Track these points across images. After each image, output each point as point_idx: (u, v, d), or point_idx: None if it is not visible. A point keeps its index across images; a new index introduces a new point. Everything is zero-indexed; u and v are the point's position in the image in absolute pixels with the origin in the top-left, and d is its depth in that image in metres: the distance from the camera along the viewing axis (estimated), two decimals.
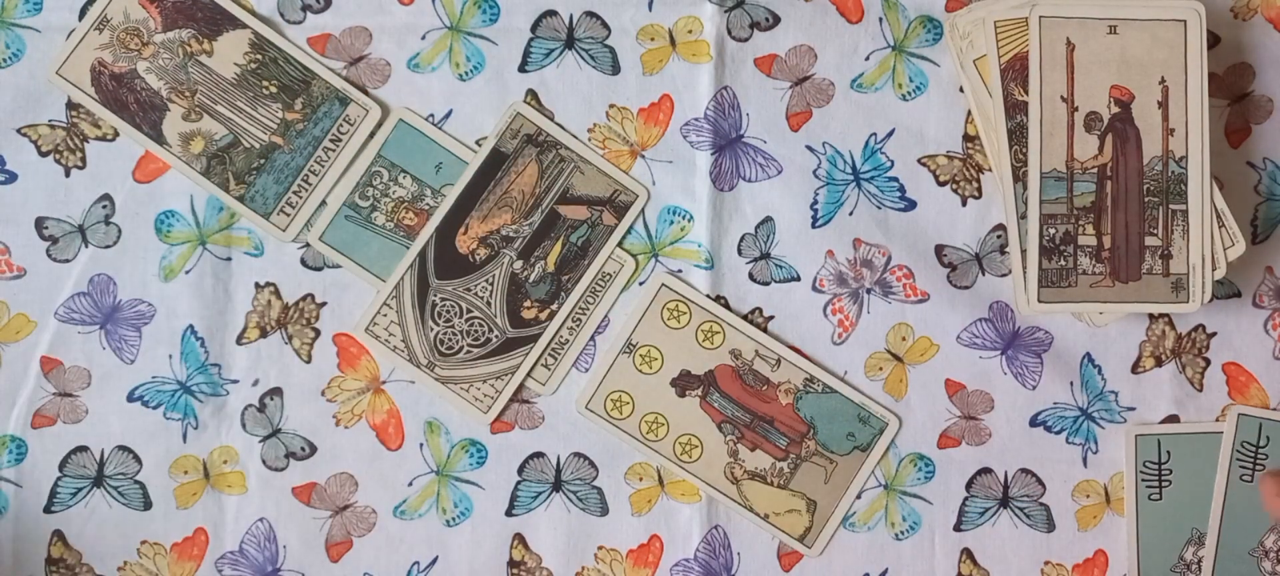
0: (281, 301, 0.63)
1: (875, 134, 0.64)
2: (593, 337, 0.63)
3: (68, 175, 0.63)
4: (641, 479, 0.63)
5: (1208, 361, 0.64)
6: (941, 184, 0.64)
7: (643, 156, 0.63)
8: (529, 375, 0.63)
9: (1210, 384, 0.64)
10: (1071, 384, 0.64)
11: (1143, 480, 0.63)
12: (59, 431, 0.62)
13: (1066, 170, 0.60)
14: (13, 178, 0.62)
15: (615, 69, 0.64)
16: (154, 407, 0.62)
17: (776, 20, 0.64)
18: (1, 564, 0.62)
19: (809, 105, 0.64)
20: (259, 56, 0.62)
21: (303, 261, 0.63)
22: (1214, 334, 0.64)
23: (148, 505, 0.62)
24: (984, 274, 0.64)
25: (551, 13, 0.63)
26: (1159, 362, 0.64)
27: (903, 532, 0.63)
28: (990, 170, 0.63)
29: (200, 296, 0.62)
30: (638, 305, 0.63)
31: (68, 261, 0.62)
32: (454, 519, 0.63)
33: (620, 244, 0.63)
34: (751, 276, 0.64)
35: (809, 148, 0.64)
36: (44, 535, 0.62)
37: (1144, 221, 0.60)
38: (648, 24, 0.64)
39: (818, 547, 0.63)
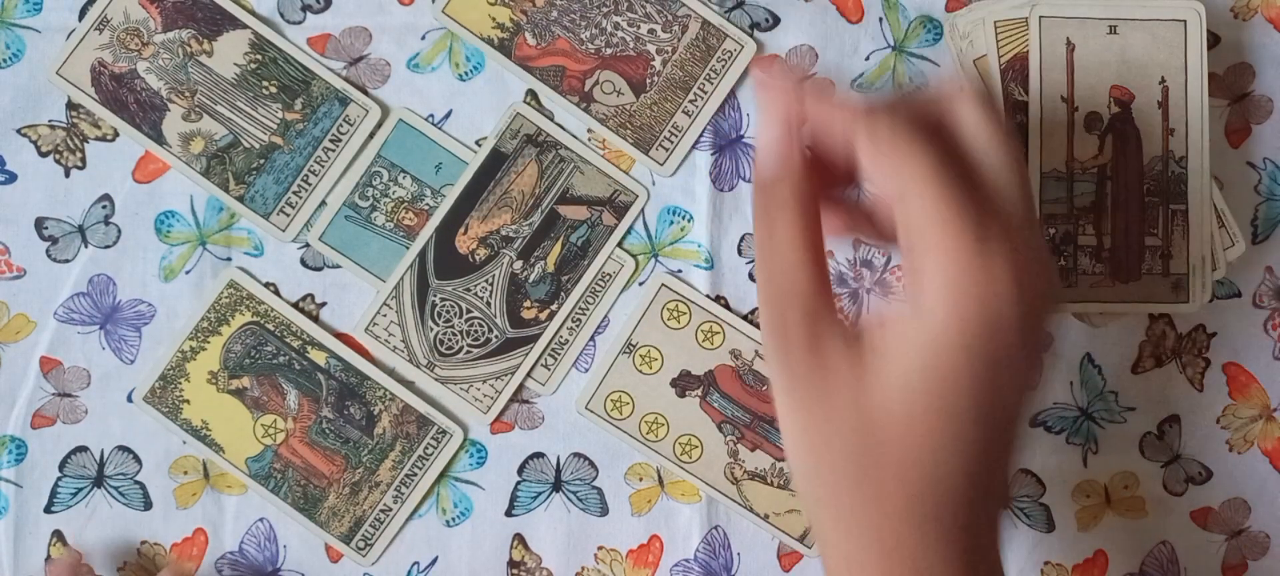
0: (282, 301, 0.63)
1: None
2: (593, 338, 0.63)
3: (67, 175, 0.63)
4: (641, 479, 0.63)
5: (1208, 361, 0.64)
6: None
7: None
8: (529, 375, 0.63)
9: (1210, 384, 0.64)
10: (1071, 384, 0.64)
11: None
12: (59, 431, 0.62)
13: (1066, 170, 0.60)
14: (12, 178, 0.62)
15: None
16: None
17: (776, 20, 0.64)
18: (1, 564, 0.62)
19: None
20: (259, 56, 0.62)
21: (303, 261, 0.63)
22: (1214, 334, 0.64)
23: (148, 505, 0.62)
24: None
25: None
26: (1159, 363, 0.64)
27: None
28: None
29: (200, 297, 0.62)
30: (638, 305, 0.63)
31: (67, 261, 0.62)
32: (454, 519, 0.63)
33: (620, 244, 0.63)
34: (752, 276, 0.63)
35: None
36: (44, 535, 0.62)
37: (1144, 221, 0.60)
38: None
39: None
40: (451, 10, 0.62)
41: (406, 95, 0.63)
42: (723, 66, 0.63)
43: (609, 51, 0.62)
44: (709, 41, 0.63)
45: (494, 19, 0.62)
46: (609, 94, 0.62)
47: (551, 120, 0.63)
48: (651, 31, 0.62)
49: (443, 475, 0.63)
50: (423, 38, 0.63)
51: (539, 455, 0.63)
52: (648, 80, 0.62)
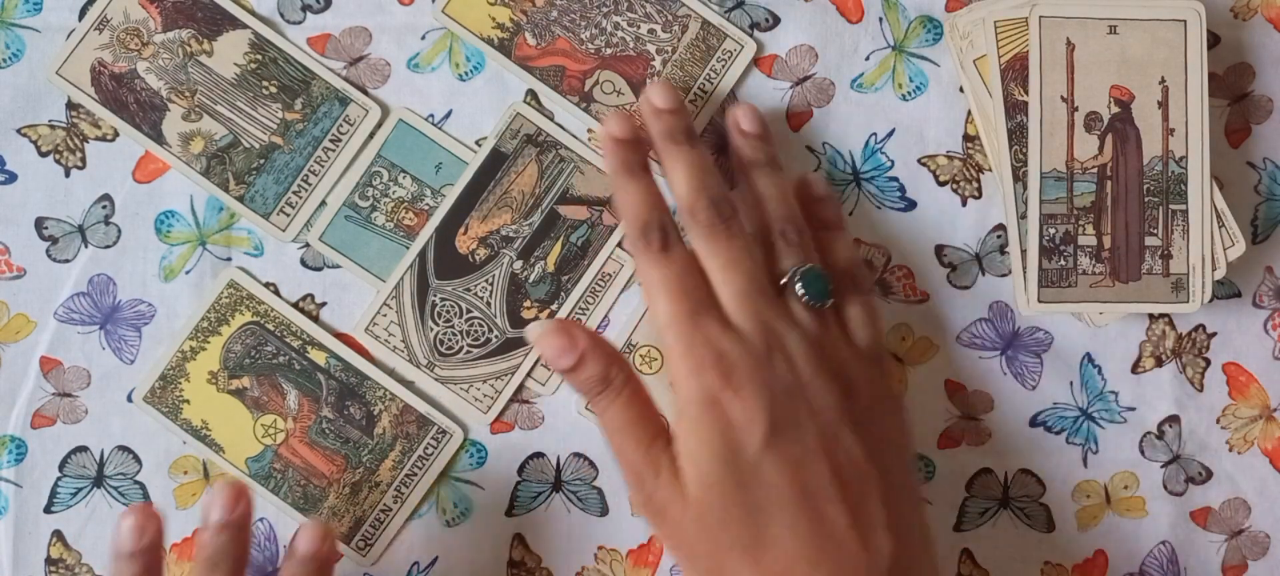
0: (282, 301, 0.63)
1: (875, 134, 0.64)
2: None
3: (67, 175, 0.63)
4: None
5: (1208, 361, 0.64)
6: (941, 184, 0.64)
7: None
8: (529, 375, 0.63)
9: (1210, 384, 0.64)
10: (1071, 384, 0.64)
11: None
12: (59, 431, 0.62)
13: (1066, 170, 0.60)
14: (12, 178, 0.62)
15: None
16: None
17: (776, 20, 0.64)
18: (1, 564, 0.62)
19: (809, 105, 0.64)
20: (259, 56, 0.62)
21: (303, 261, 0.63)
22: (1214, 334, 0.64)
23: None
24: (984, 274, 0.64)
25: None
26: (1159, 362, 0.64)
27: None
28: (990, 170, 0.63)
29: (200, 297, 0.62)
30: (638, 305, 0.63)
31: (67, 261, 0.62)
32: (454, 519, 0.63)
33: (620, 244, 0.63)
34: None
35: (809, 148, 0.64)
36: (44, 535, 0.62)
37: (1144, 221, 0.60)
38: None
39: None
40: (451, 10, 0.62)
41: (406, 95, 0.63)
42: (723, 67, 0.63)
43: (609, 51, 0.62)
44: (709, 41, 0.63)
45: (494, 19, 0.62)
46: (609, 94, 0.62)
47: (551, 120, 0.63)
48: (651, 31, 0.62)
49: (443, 475, 0.63)
50: (423, 38, 0.63)
51: (539, 455, 0.63)
52: (648, 80, 0.62)
